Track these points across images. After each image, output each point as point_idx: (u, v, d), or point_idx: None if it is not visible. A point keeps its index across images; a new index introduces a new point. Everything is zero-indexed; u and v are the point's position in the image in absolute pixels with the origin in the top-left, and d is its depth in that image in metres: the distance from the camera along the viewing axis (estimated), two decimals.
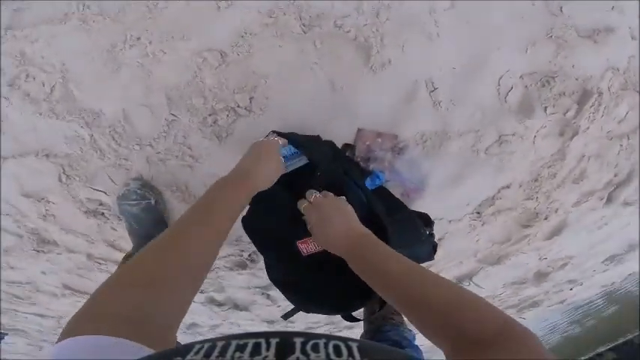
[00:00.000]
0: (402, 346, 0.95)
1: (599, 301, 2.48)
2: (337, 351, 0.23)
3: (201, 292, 1.46)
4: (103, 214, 1.03)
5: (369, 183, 0.89)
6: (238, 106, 0.84)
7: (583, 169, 1.10)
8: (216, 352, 0.22)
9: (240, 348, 0.23)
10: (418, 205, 1.07)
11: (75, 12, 0.72)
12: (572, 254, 1.58)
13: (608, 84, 0.91)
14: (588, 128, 0.97)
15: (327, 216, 0.63)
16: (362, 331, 1.10)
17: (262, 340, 0.23)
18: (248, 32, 0.76)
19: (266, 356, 0.22)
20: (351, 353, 0.23)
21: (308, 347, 0.23)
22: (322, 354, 0.22)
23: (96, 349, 0.33)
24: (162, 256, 0.45)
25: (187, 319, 1.68)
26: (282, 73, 0.83)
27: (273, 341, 0.23)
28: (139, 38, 0.74)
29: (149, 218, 0.97)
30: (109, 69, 0.77)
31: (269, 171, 0.62)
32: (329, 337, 0.25)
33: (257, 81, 0.82)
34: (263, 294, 1.48)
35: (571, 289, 1.94)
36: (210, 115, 0.84)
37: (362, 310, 1.14)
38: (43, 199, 0.98)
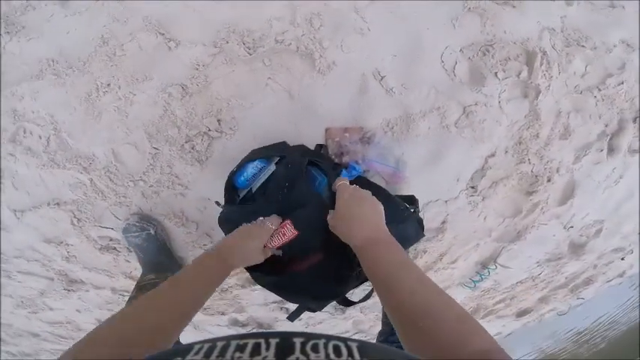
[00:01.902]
0: None
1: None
2: (337, 351, 0.24)
3: (223, 314, 1.60)
4: (114, 248, 1.22)
5: (346, 174, 1.00)
6: (209, 130, 1.01)
7: (566, 125, 1.15)
8: (216, 352, 0.24)
9: (240, 348, 0.24)
10: (405, 190, 1.17)
11: (47, 67, 0.90)
12: (600, 218, 1.57)
13: (550, 43, 0.99)
14: (549, 86, 1.04)
15: (363, 201, 0.68)
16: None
17: (262, 341, 0.25)
18: (200, 64, 0.93)
19: (266, 356, 0.23)
20: (350, 353, 0.24)
21: (308, 347, 0.24)
22: (322, 354, 0.24)
23: None
24: (132, 324, 0.54)
25: None
26: (241, 93, 0.98)
27: (273, 341, 0.25)
28: (108, 84, 0.93)
29: (152, 247, 1.14)
30: (91, 116, 0.95)
31: (249, 256, 0.72)
32: (329, 338, 0.26)
33: (220, 104, 0.99)
34: (282, 309, 1.60)
35: (622, 259, 1.88)
36: (186, 142, 1.01)
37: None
38: (62, 242, 1.19)
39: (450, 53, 0.98)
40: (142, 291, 1.07)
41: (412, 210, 0.92)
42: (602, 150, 1.27)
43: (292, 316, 1.00)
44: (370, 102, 1.03)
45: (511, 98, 1.06)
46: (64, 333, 1.60)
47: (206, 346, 0.25)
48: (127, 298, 1.43)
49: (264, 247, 0.74)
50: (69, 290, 1.34)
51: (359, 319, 1.72)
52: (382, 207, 0.69)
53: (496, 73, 0.99)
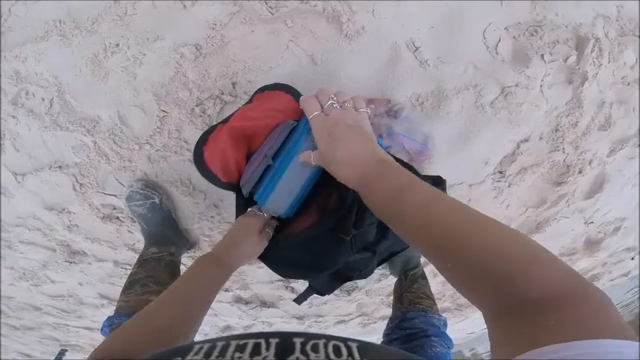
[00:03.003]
0: (427, 334, 0.99)
1: None
2: (337, 351, 0.25)
3: (227, 291, 1.62)
4: (118, 217, 1.21)
5: None
6: (222, 93, 0.96)
7: (607, 116, 1.10)
8: (216, 352, 0.24)
9: (240, 348, 0.25)
10: (430, 171, 1.14)
11: (53, 29, 0.87)
12: (622, 215, 1.55)
13: (604, 31, 0.93)
14: (597, 74, 0.99)
15: (341, 134, 0.58)
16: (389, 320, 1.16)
17: (262, 341, 0.25)
18: (217, 23, 0.87)
19: (266, 356, 0.24)
20: (350, 353, 0.25)
21: (308, 347, 0.25)
22: (322, 354, 0.24)
23: None
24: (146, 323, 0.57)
25: (220, 321, 1.87)
26: (260, 56, 0.93)
27: (273, 341, 0.25)
28: (117, 45, 0.88)
29: (156, 217, 1.11)
30: (97, 77, 0.91)
31: (244, 252, 0.73)
32: (329, 338, 0.26)
33: (236, 67, 0.94)
34: (287, 287, 1.62)
35: (632, 259, 1.88)
36: (197, 105, 0.97)
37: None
38: (63, 210, 1.18)
39: (494, 30, 0.91)
40: (144, 266, 1.06)
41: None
42: (638, 145, 1.22)
43: (299, 299, 1.00)
44: (400, 73, 0.97)
45: (554, 83, 1.00)
46: (65, 307, 1.63)
47: (206, 346, 0.25)
48: (129, 272, 1.45)
49: (260, 232, 0.75)
50: (71, 262, 1.34)
51: (364, 301, 1.73)
52: (367, 129, 0.61)
53: (542, 55, 0.93)
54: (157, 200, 1.10)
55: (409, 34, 0.92)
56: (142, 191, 1.07)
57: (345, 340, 0.26)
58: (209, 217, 1.26)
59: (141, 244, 1.31)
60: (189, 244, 1.30)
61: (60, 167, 1.06)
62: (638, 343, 0.25)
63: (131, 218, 1.21)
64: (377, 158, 0.55)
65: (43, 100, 0.94)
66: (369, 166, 0.54)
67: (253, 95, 0.83)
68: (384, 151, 0.58)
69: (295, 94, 0.78)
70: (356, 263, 0.84)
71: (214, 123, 1.01)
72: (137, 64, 0.90)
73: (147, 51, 0.89)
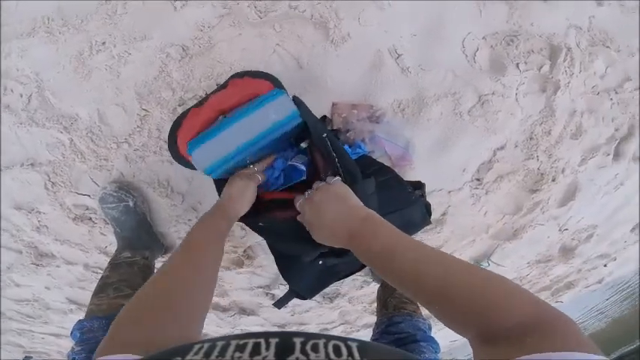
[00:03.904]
0: (416, 339, 1.02)
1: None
2: (337, 351, 0.25)
3: None
4: (90, 218, 1.20)
5: (350, 152, 1.02)
6: (207, 94, 1.00)
7: (578, 124, 1.20)
8: (216, 352, 0.25)
9: (240, 348, 0.25)
10: (411, 176, 1.20)
11: (40, 25, 0.88)
12: (594, 223, 1.66)
13: (575, 40, 1.02)
14: (569, 83, 1.08)
15: (320, 206, 0.66)
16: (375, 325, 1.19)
17: (262, 340, 0.26)
18: (206, 25, 0.91)
19: (265, 356, 0.24)
20: (350, 353, 0.25)
21: (308, 347, 0.25)
22: (322, 354, 0.25)
23: None
24: (172, 281, 0.60)
25: None
26: (246, 58, 0.97)
27: (273, 341, 0.26)
28: (103, 43, 0.90)
29: (130, 220, 1.11)
30: (80, 75, 0.92)
31: (243, 201, 0.80)
32: (329, 337, 0.27)
33: (222, 68, 0.97)
34: (267, 294, 1.62)
35: (605, 266, 2.00)
36: (180, 105, 0.99)
37: None
38: (33, 209, 1.16)
39: (473, 39, 0.99)
40: (116, 270, 1.05)
41: (420, 194, 0.95)
42: (608, 154, 1.33)
43: (279, 303, 1.02)
44: (383, 80, 1.03)
45: (529, 92, 1.09)
46: (30, 312, 1.58)
47: (206, 345, 0.26)
48: (100, 276, 1.43)
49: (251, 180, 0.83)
50: (38, 265, 1.32)
51: (346, 309, 1.77)
52: (345, 187, 0.69)
53: (518, 64, 1.02)
54: (130, 203, 1.09)
55: (392, 42, 0.98)
56: (115, 193, 1.07)
57: (345, 340, 0.27)
58: (186, 221, 1.27)
59: (113, 247, 1.29)
60: (164, 248, 1.30)
61: (32, 165, 1.05)
62: (603, 356, 0.32)
63: (104, 220, 1.21)
64: (361, 217, 0.63)
65: (22, 96, 0.94)
66: (354, 225, 0.62)
67: (229, 80, 0.86)
68: (363, 206, 0.66)
69: (276, 82, 0.82)
70: (346, 264, 0.87)
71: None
72: (122, 63, 0.92)
73: (133, 50, 0.91)
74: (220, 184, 0.86)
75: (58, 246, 1.27)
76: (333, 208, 0.65)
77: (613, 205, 1.62)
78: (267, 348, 0.25)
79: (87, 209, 1.19)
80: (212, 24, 0.91)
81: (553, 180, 1.35)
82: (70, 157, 1.05)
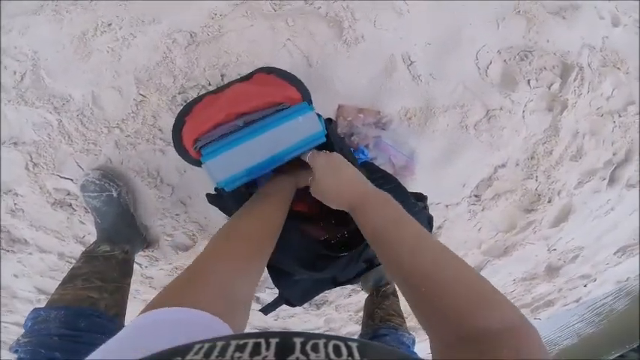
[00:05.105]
0: None
1: (614, 299, 2.63)
2: (337, 351, 0.26)
3: None
4: (70, 205, 1.15)
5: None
6: (209, 84, 0.97)
7: (580, 146, 1.23)
8: (215, 352, 0.25)
9: (240, 348, 0.25)
10: (411, 187, 1.20)
11: (49, 3, 0.85)
12: (581, 245, 1.71)
13: (588, 60, 1.05)
14: (576, 103, 1.11)
15: (335, 165, 0.69)
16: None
17: (262, 340, 0.26)
18: (218, 13, 0.89)
19: (265, 356, 0.24)
20: (350, 353, 0.26)
21: (308, 347, 0.26)
22: (322, 354, 0.25)
23: (191, 323, 0.42)
24: (246, 230, 0.63)
25: None
26: (255, 50, 0.95)
27: (273, 341, 0.26)
28: (109, 24, 0.87)
29: (112, 212, 1.05)
30: (80, 55, 0.89)
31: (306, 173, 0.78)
32: (329, 337, 0.28)
33: (228, 59, 0.95)
34: (255, 298, 1.61)
35: (585, 286, 2.07)
36: (180, 93, 0.97)
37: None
38: (10, 191, 1.11)
39: (487, 52, 1.00)
40: (92, 262, 0.99)
41: (422, 207, 0.95)
42: (604, 179, 1.37)
43: (267, 309, 1.00)
44: (393, 86, 1.03)
45: (536, 110, 1.11)
46: None
47: (206, 345, 0.26)
48: None
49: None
50: (8, 251, 1.26)
51: (332, 317, 1.76)
52: (356, 169, 0.72)
53: (529, 80, 1.04)
54: (114, 193, 1.05)
55: (406, 48, 0.98)
56: (98, 181, 1.02)
57: (345, 340, 0.28)
58: (174, 215, 1.23)
59: (92, 237, 1.24)
60: (146, 242, 1.25)
61: (15, 144, 1.00)
62: None
63: (85, 208, 1.16)
64: (373, 189, 0.66)
65: (15, 73, 0.90)
66: (365, 194, 0.64)
67: (255, 72, 0.81)
68: (371, 183, 0.68)
69: (303, 91, 0.78)
70: (351, 272, 0.87)
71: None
72: (125, 46, 0.89)
73: (139, 33, 0.88)
74: (213, 199, 0.84)
75: (32, 232, 1.22)
76: (346, 172, 0.68)
77: (601, 228, 1.68)
78: (268, 348, 0.25)
79: (68, 194, 1.14)
80: (224, 12, 0.90)
81: (549, 201, 1.39)
82: (57, 138, 1.01)
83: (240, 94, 0.74)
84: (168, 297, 0.47)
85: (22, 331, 0.83)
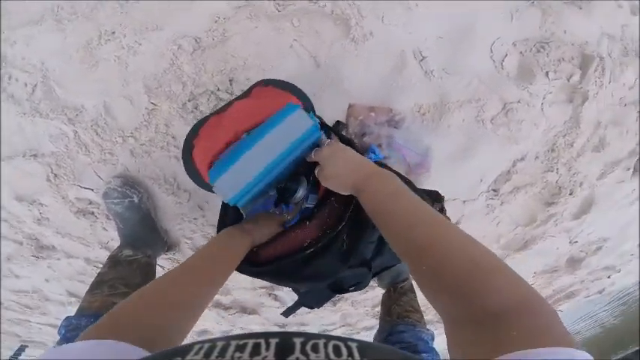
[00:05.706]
0: (418, 349, 1.00)
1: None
2: (337, 351, 0.25)
3: None
4: (92, 213, 1.16)
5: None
6: (218, 89, 0.95)
7: (602, 137, 1.15)
8: (216, 352, 0.25)
9: (240, 348, 0.25)
10: (427, 184, 1.16)
11: (49, 13, 0.84)
12: (605, 236, 1.63)
13: (607, 50, 0.98)
14: (597, 94, 1.03)
15: (338, 152, 0.69)
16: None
17: (262, 341, 0.26)
18: (221, 16, 0.86)
19: (265, 356, 0.24)
20: (350, 353, 0.25)
21: (308, 347, 0.25)
22: (322, 354, 0.25)
23: (116, 352, 0.41)
24: (176, 287, 0.59)
25: (198, 325, 1.83)
26: (261, 53, 0.92)
27: (273, 341, 0.26)
28: (113, 33, 0.85)
29: (133, 217, 1.07)
30: (87, 65, 0.88)
31: (267, 230, 0.77)
32: (329, 338, 0.27)
33: (236, 63, 0.92)
34: (270, 295, 1.60)
35: (609, 277, 1.98)
36: (190, 100, 0.95)
37: None
38: (34, 201, 1.12)
39: (502, 44, 0.94)
40: (116, 267, 1.01)
41: (439, 208, 0.91)
42: (628, 169, 1.29)
43: (287, 312, 0.99)
44: (404, 82, 0.99)
45: (555, 101, 1.04)
46: (29, 302, 1.56)
47: (206, 345, 0.26)
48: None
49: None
50: (38, 257, 1.28)
51: (348, 312, 1.74)
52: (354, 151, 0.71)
53: (547, 72, 0.97)
54: (135, 199, 1.05)
55: (417, 43, 0.93)
56: (120, 189, 1.03)
57: (345, 340, 0.27)
58: (192, 219, 1.23)
59: (115, 243, 1.26)
60: (167, 245, 1.26)
61: (35, 156, 1.01)
62: (585, 352, 0.31)
63: (106, 215, 1.17)
64: (377, 169, 0.64)
65: (26, 85, 0.90)
66: (369, 175, 0.63)
67: (253, 87, 0.80)
68: (375, 164, 0.67)
69: (302, 97, 0.76)
70: (352, 278, 0.84)
71: None
72: (131, 54, 0.88)
73: (143, 41, 0.86)
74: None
75: (59, 239, 1.24)
76: (351, 155, 0.68)
77: (625, 219, 1.59)
78: (267, 348, 0.25)
79: (90, 203, 1.15)
80: (228, 15, 0.86)
81: (571, 194, 1.32)
82: (74, 149, 1.01)
83: (242, 111, 0.73)
84: (93, 333, 0.47)
85: (55, 332, 0.87)
